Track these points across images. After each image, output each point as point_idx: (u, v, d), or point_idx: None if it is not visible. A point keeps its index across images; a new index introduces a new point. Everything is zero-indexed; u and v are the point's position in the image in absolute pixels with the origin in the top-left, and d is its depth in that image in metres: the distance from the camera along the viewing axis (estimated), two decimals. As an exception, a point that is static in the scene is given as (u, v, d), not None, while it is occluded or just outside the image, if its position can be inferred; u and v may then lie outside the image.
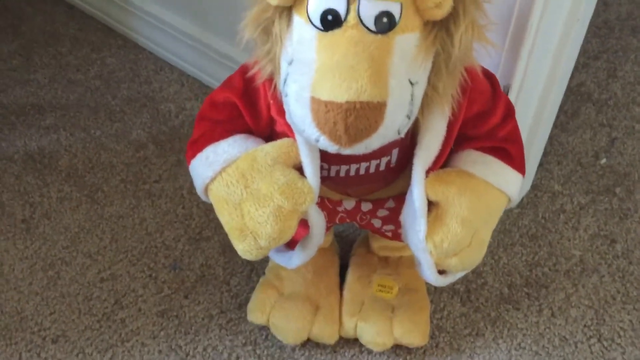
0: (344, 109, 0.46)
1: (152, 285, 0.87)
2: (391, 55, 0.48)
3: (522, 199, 0.97)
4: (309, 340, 0.79)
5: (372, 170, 0.62)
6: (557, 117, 0.99)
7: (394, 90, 0.48)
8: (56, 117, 1.12)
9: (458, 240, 0.61)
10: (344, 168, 0.62)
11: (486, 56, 0.55)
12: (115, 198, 0.98)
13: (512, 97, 0.75)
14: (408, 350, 0.80)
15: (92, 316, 0.84)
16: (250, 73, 0.57)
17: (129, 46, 1.26)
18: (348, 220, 0.74)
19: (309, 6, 0.48)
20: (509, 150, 0.64)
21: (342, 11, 0.47)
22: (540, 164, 1.01)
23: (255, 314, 0.78)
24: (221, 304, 0.85)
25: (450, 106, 0.57)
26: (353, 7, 0.47)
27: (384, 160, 0.61)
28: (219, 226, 0.88)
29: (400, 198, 0.66)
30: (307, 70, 0.48)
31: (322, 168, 0.61)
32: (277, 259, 0.70)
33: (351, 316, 0.78)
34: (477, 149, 0.64)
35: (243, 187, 0.59)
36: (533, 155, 0.93)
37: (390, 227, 0.73)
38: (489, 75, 0.63)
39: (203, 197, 0.64)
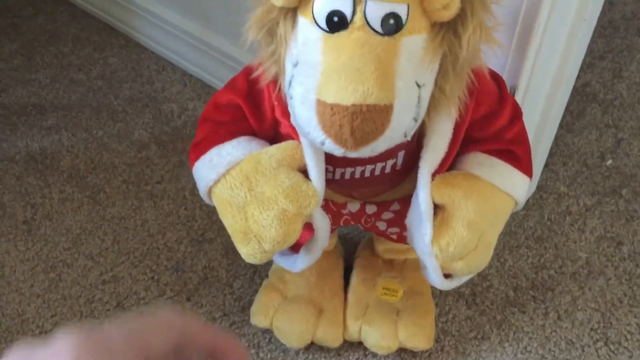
0: (350, 111, 0.46)
1: (155, 288, 0.86)
2: (398, 57, 0.47)
3: (528, 201, 0.96)
4: (312, 343, 0.78)
5: (377, 172, 0.61)
6: (563, 117, 0.98)
7: (401, 93, 0.47)
8: (58, 117, 1.11)
9: (464, 244, 0.60)
10: (349, 170, 0.61)
11: (492, 57, 0.54)
12: (117, 199, 0.98)
13: (518, 98, 0.75)
14: (413, 353, 0.79)
15: (94, 319, 0.83)
16: (255, 75, 0.56)
17: (131, 46, 1.25)
18: (352, 222, 0.73)
19: (314, 7, 0.47)
20: (516, 153, 0.63)
21: (348, 12, 0.46)
22: (546, 165, 1.00)
23: (259, 317, 0.77)
24: (224, 307, 0.84)
25: (457, 108, 0.56)
26: (359, 9, 0.46)
27: (390, 162, 0.61)
28: (221, 228, 0.87)
29: (406, 200, 0.65)
30: (313, 72, 0.48)
31: (327, 170, 0.60)
32: (282, 262, 0.69)
33: (355, 319, 0.77)
34: (484, 151, 0.63)
35: (247, 190, 0.58)
36: (539, 156, 0.92)
37: (395, 229, 0.73)
38: (495, 77, 0.62)
39: (206, 200, 0.64)
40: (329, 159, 0.59)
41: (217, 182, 0.60)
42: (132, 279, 0.87)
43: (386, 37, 0.46)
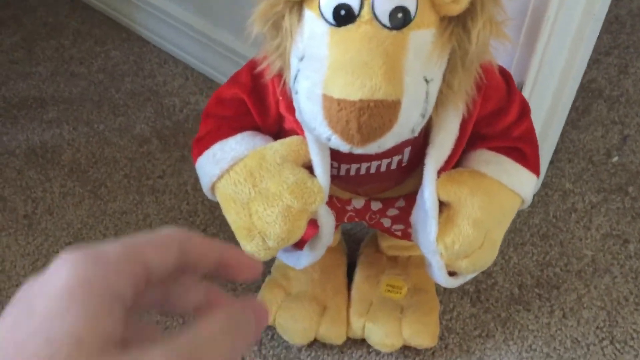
0: (357, 107, 0.45)
1: (156, 283, 0.86)
2: (406, 52, 0.46)
3: (533, 198, 0.95)
4: (315, 340, 0.78)
5: (383, 169, 0.61)
6: (568, 114, 0.97)
7: (409, 88, 0.46)
8: (59, 110, 1.10)
9: (469, 242, 0.59)
10: (354, 167, 0.60)
11: (500, 52, 0.54)
12: (118, 194, 0.97)
13: (525, 94, 0.74)
14: (417, 351, 0.78)
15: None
16: (259, 69, 0.56)
17: (133, 39, 1.24)
18: (357, 219, 0.72)
19: (321, 0, 0.46)
20: (523, 150, 0.62)
21: (355, 6, 0.45)
22: (551, 162, 0.99)
23: (261, 314, 0.77)
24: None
25: (465, 104, 0.55)
26: (367, 2, 0.45)
27: (396, 159, 0.60)
28: (224, 223, 0.86)
29: (411, 197, 0.65)
30: (319, 67, 0.47)
31: (332, 166, 0.60)
32: (285, 259, 0.68)
33: (359, 317, 0.77)
34: (491, 148, 0.62)
35: (251, 186, 0.57)
36: (544, 153, 0.91)
37: (400, 226, 0.72)
38: (504, 73, 0.61)
39: (210, 196, 0.63)
40: (334, 154, 0.58)
41: (220, 177, 0.59)
42: (133, 275, 0.87)
43: (394, 32, 0.46)
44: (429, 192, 0.58)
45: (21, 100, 1.12)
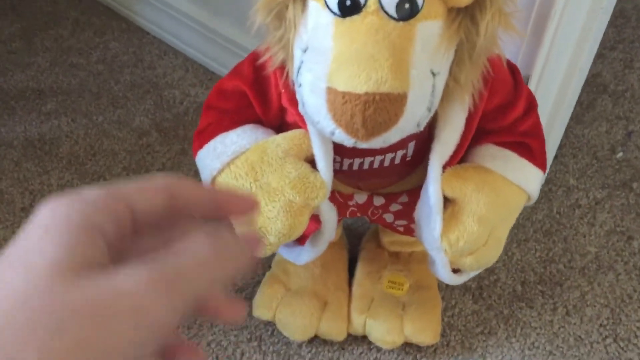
0: (363, 100, 0.44)
1: (155, 278, 0.85)
2: (413, 44, 0.45)
3: (536, 193, 0.95)
4: (316, 337, 0.77)
5: (386, 163, 0.60)
6: (573, 108, 0.96)
7: (415, 81, 0.45)
8: (57, 102, 1.09)
9: (474, 239, 0.58)
10: (357, 161, 0.59)
11: (506, 45, 0.52)
12: (117, 187, 0.96)
13: (531, 87, 0.73)
14: (418, 348, 0.77)
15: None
16: (261, 61, 0.54)
17: (133, 30, 1.23)
18: (359, 214, 0.71)
19: (326, -10, 0.45)
20: (529, 145, 0.61)
21: (361, -4, 0.44)
22: (555, 157, 0.98)
23: (261, 310, 0.76)
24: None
25: (471, 98, 0.54)
26: (373, -8, 0.44)
27: (400, 153, 0.59)
28: (224, 217, 0.85)
29: (414, 192, 0.64)
30: (323, 59, 0.46)
31: (334, 161, 0.58)
32: (286, 254, 0.67)
33: (360, 313, 0.76)
34: (497, 143, 0.61)
35: (252, 180, 0.56)
36: (549, 148, 0.89)
37: (403, 222, 0.71)
38: (511, 66, 0.60)
39: (210, 190, 0.62)
40: (337, 148, 0.57)
41: (221, 171, 0.58)
42: (132, 269, 0.86)
43: (401, 23, 0.44)
44: (433, 188, 0.56)
45: (19, 91, 1.11)
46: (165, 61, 1.16)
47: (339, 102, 0.44)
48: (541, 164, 0.62)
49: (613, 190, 0.95)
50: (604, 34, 1.22)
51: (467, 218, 0.58)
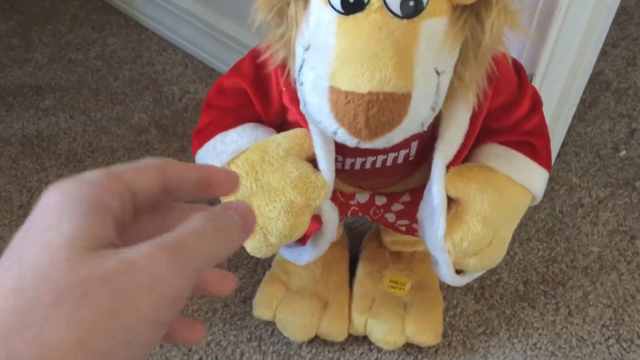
0: (366, 100, 0.43)
1: (154, 277, 0.84)
2: (417, 42, 0.44)
3: (539, 192, 0.94)
4: (316, 337, 0.76)
5: (389, 163, 0.59)
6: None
7: (420, 80, 0.44)
8: (55, 98, 1.08)
9: (478, 240, 0.57)
10: (359, 161, 0.58)
11: (510, 43, 0.51)
12: (116, 184, 0.95)
13: (535, 85, 0.72)
14: (419, 349, 0.77)
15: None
16: (262, 58, 0.53)
17: (131, 25, 1.22)
18: (361, 214, 0.70)
19: (328, -13, 0.44)
20: (534, 145, 0.60)
21: (365, -7, 0.43)
22: (558, 156, 0.97)
23: (262, 310, 0.75)
24: (225, 298, 0.82)
25: (475, 97, 0.53)
26: (377, -11, 0.43)
27: (403, 153, 0.58)
28: (223, 216, 0.84)
29: (417, 192, 0.63)
30: (326, 57, 0.45)
31: (336, 160, 0.58)
32: (286, 254, 0.66)
33: (361, 313, 0.75)
34: (501, 142, 0.60)
35: (253, 180, 0.55)
36: (552, 146, 0.89)
37: (405, 221, 0.70)
38: (515, 64, 0.59)
39: (209, 190, 0.61)
40: (339, 148, 0.56)
41: (221, 171, 0.57)
42: (130, 267, 0.85)
43: (405, 20, 0.43)
44: (437, 188, 0.56)
45: (17, 88, 1.10)
46: (164, 57, 1.15)
47: (341, 101, 0.43)
48: (546, 164, 0.61)
49: (616, 189, 0.94)
50: (607, 32, 1.21)
51: (471, 218, 0.57)
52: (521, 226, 0.89)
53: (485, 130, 0.59)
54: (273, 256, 0.81)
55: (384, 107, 0.43)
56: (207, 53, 1.12)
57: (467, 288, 0.83)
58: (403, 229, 0.72)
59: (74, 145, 1.00)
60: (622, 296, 0.82)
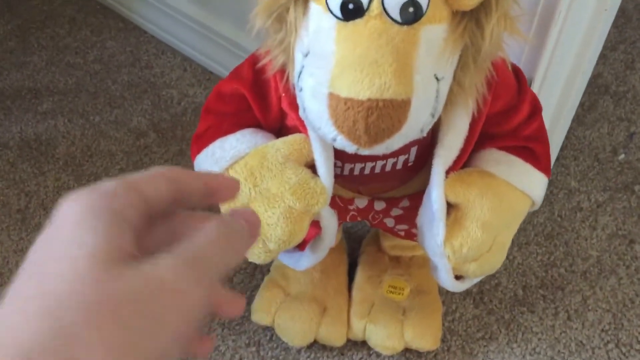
0: (366, 106, 0.43)
1: (152, 281, 0.84)
2: (417, 49, 0.44)
3: (538, 196, 0.94)
4: (315, 342, 0.76)
5: (388, 168, 0.58)
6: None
7: (419, 87, 0.44)
8: (53, 102, 1.08)
9: (478, 245, 0.57)
10: (358, 166, 0.58)
11: (509, 49, 0.51)
12: (114, 188, 0.94)
13: (534, 90, 0.71)
14: (418, 354, 0.76)
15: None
16: (261, 64, 0.53)
17: (130, 28, 1.22)
18: (359, 218, 0.70)
19: (328, -7, 0.44)
20: (534, 150, 0.60)
21: (364, -1, 0.43)
22: (557, 159, 0.97)
23: (260, 315, 0.75)
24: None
25: (475, 102, 0.53)
26: (377, -5, 0.43)
27: (402, 158, 0.58)
28: (222, 220, 0.84)
29: (416, 197, 0.63)
30: (325, 64, 0.44)
31: (335, 166, 0.57)
32: (285, 260, 0.66)
33: (360, 318, 0.75)
34: (500, 148, 0.60)
35: (252, 186, 0.55)
36: (551, 150, 0.89)
37: (404, 226, 0.70)
38: (515, 69, 0.59)
39: (208, 195, 0.61)
40: (338, 153, 0.56)
41: (219, 176, 0.57)
42: (129, 272, 0.85)
43: (405, 27, 0.43)
44: (437, 194, 0.55)
45: (15, 91, 1.10)
46: (163, 60, 1.15)
47: (341, 108, 0.43)
48: (545, 169, 0.61)
49: (615, 192, 0.94)
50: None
51: (470, 224, 0.57)
52: (520, 230, 0.89)
53: (485, 136, 0.59)
54: (272, 261, 0.81)
55: (383, 114, 0.43)
56: (206, 56, 1.11)
57: (466, 293, 0.82)
58: (402, 233, 0.71)
59: (73, 149, 1.00)
60: (621, 300, 0.82)
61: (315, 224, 0.60)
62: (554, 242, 0.88)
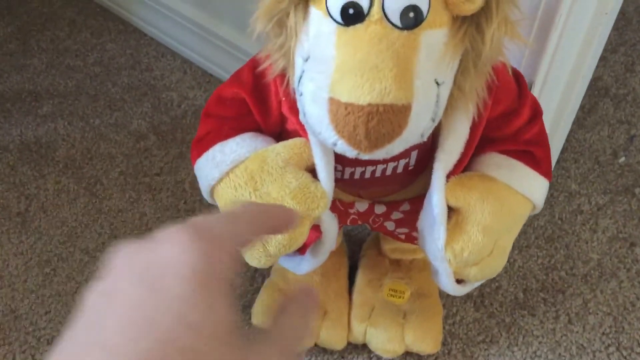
0: (366, 111, 0.43)
1: (153, 284, 0.84)
2: (417, 53, 0.44)
3: (538, 199, 0.93)
4: (315, 345, 0.76)
5: (388, 172, 0.58)
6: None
7: (420, 92, 0.44)
8: (53, 104, 1.08)
9: (479, 249, 0.57)
10: (359, 170, 0.58)
11: (509, 53, 0.51)
12: (114, 191, 0.94)
13: (534, 93, 0.71)
14: (419, 357, 0.76)
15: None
16: (261, 68, 0.53)
17: (130, 31, 1.22)
18: (360, 222, 0.70)
19: (328, -2, 0.44)
20: (534, 154, 0.60)
21: (364, 4, 0.43)
22: (557, 162, 0.97)
23: (261, 318, 0.75)
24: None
25: (475, 106, 0.53)
26: (377, 0, 0.43)
27: (402, 162, 0.58)
28: (222, 223, 0.84)
29: (416, 200, 0.63)
30: (325, 68, 0.44)
31: (335, 169, 0.57)
32: (286, 263, 0.66)
33: (361, 321, 0.75)
34: (501, 152, 0.60)
35: (252, 190, 0.55)
36: (552, 153, 0.89)
37: (404, 230, 0.70)
38: (515, 73, 0.59)
39: (208, 199, 0.61)
40: (338, 157, 0.56)
41: (220, 181, 0.57)
42: (129, 275, 0.85)
43: (405, 32, 0.43)
44: (437, 198, 0.55)
45: (15, 94, 1.10)
46: (163, 63, 1.15)
47: (341, 113, 0.43)
48: (546, 173, 0.61)
49: (615, 195, 0.94)
50: (606, 37, 1.21)
51: (471, 228, 0.57)
52: (520, 233, 0.89)
53: (485, 140, 0.59)
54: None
55: (384, 119, 0.43)
56: (206, 59, 1.11)
57: (467, 296, 0.82)
58: (402, 237, 0.71)
59: (73, 151, 1.00)
60: (622, 304, 0.82)
61: (316, 228, 0.60)
62: (555, 245, 0.88)
